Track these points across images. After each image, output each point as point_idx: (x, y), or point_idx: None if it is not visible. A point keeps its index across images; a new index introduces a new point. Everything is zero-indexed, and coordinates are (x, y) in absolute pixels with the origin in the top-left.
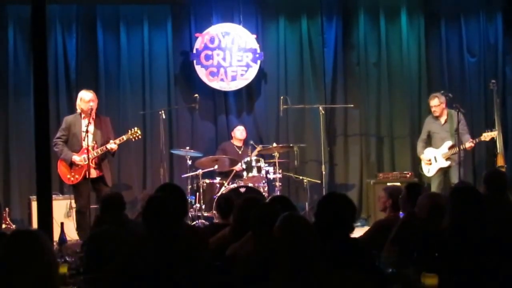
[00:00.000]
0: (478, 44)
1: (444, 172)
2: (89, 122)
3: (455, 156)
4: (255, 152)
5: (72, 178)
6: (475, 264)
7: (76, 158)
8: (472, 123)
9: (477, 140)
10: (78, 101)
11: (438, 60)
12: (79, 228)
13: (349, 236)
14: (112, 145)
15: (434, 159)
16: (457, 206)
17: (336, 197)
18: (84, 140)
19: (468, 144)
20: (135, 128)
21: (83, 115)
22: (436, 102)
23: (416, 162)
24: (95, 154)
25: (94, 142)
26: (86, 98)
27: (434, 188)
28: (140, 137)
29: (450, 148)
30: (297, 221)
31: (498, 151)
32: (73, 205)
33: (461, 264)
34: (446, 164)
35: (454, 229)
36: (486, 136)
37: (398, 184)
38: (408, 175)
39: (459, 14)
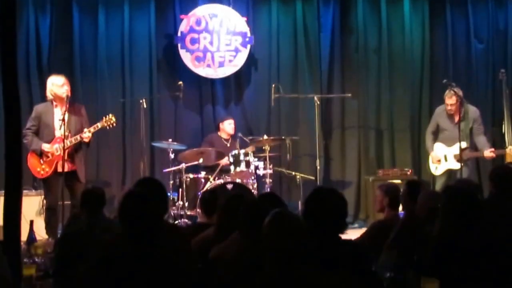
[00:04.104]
0: (487, 30)
1: (450, 171)
2: (66, 110)
3: (467, 161)
4: (248, 149)
5: (42, 172)
6: (475, 269)
7: (46, 145)
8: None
9: (498, 152)
10: (49, 87)
11: (443, 47)
12: (48, 226)
13: (340, 237)
14: (86, 133)
15: (444, 158)
16: (447, 208)
17: (324, 193)
18: (59, 129)
19: (488, 153)
20: (110, 115)
21: (55, 103)
22: (453, 101)
23: (416, 158)
24: (68, 143)
25: (68, 132)
26: (59, 83)
27: (438, 187)
28: (115, 124)
29: (464, 150)
30: (288, 219)
31: (507, 145)
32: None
33: (459, 269)
34: (457, 166)
35: (446, 232)
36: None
37: (399, 181)
38: (408, 173)
39: None
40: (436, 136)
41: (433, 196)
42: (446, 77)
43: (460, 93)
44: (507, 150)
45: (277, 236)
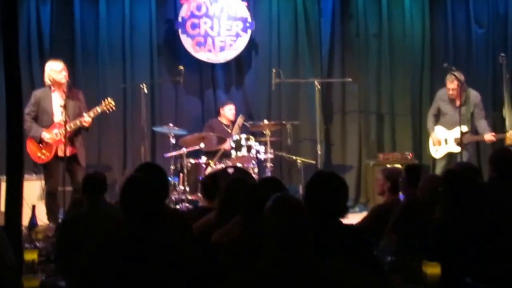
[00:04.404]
0: (487, 14)
1: (450, 154)
2: (66, 96)
3: (467, 144)
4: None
5: (42, 156)
6: (476, 252)
7: (46, 135)
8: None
9: (498, 136)
10: (48, 73)
11: (443, 31)
12: (49, 212)
13: (341, 221)
14: (86, 118)
15: (444, 142)
16: (448, 192)
17: (325, 177)
18: (60, 115)
19: (489, 137)
20: (109, 99)
21: (53, 88)
22: (454, 85)
23: (417, 142)
24: (68, 129)
25: (67, 117)
26: (57, 68)
27: (438, 170)
28: (114, 107)
29: (464, 134)
30: (289, 203)
31: (507, 129)
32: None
33: (461, 252)
34: (457, 150)
35: (447, 216)
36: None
37: (399, 166)
38: (409, 156)
39: None
40: (437, 119)
41: (435, 180)
42: (446, 62)
43: (462, 77)
44: (508, 134)
45: (278, 220)
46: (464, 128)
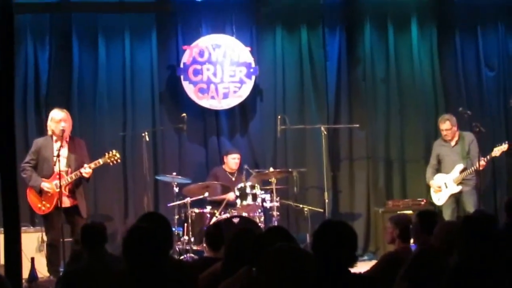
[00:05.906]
0: (497, 57)
1: (456, 199)
2: (61, 145)
3: (467, 180)
4: (251, 181)
5: (43, 208)
6: None
7: (46, 185)
8: (493, 142)
9: (488, 157)
10: (48, 121)
11: (453, 75)
12: (50, 264)
13: (349, 270)
14: (86, 169)
15: (444, 186)
16: (465, 240)
17: (333, 226)
18: (55, 165)
19: (480, 163)
20: (113, 151)
21: (54, 138)
22: (448, 126)
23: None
24: (69, 180)
25: (68, 167)
26: (56, 118)
27: (447, 218)
28: (119, 160)
29: (462, 171)
30: (289, 254)
31: None
32: (45, 238)
33: None
34: (457, 189)
35: (463, 263)
36: (497, 151)
37: (410, 212)
38: (422, 203)
39: (475, 24)
40: (438, 169)
41: (452, 227)
42: (459, 104)
43: (454, 118)
44: (493, 152)
45: (278, 272)
46: (461, 166)
